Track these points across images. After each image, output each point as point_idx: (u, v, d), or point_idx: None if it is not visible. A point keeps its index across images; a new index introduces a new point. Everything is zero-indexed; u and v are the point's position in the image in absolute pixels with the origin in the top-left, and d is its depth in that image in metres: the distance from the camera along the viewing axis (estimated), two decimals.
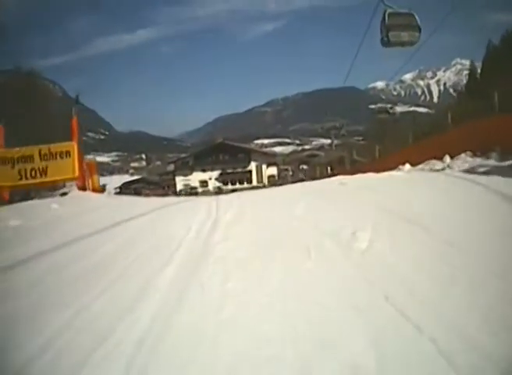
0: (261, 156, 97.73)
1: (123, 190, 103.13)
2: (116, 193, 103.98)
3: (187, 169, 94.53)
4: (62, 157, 21.32)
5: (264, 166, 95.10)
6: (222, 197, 17.95)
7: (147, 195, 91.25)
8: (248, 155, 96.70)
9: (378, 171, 19.12)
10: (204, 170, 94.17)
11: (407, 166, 21.14)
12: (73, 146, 22.02)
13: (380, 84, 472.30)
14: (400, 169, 20.81)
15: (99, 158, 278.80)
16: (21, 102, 46.88)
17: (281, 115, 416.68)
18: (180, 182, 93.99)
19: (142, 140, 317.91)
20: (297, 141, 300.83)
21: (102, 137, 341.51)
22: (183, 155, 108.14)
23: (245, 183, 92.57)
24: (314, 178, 79.27)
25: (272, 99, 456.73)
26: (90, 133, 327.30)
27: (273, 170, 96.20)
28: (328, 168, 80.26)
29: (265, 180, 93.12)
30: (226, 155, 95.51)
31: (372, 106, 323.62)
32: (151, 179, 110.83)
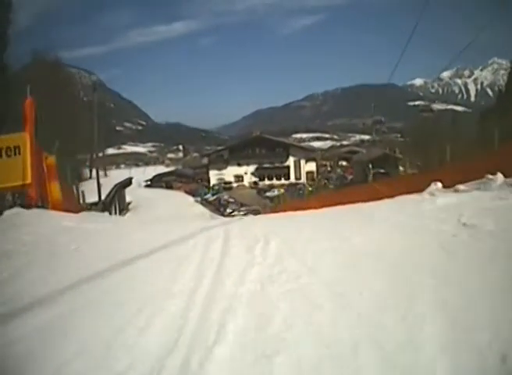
0: (300, 151, 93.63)
1: (154, 183, 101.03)
2: (147, 185, 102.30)
3: (222, 163, 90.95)
4: (8, 155, 12.51)
5: (302, 162, 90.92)
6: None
7: (178, 189, 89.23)
8: (286, 149, 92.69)
9: None
10: (239, 164, 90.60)
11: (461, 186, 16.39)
12: (24, 139, 12.84)
13: (418, 81, 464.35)
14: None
15: (136, 149, 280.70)
16: (52, 92, 46.89)
17: (320, 110, 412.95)
18: (214, 176, 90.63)
19: (179, 131, 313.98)
20: (336, 137, 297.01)
21: (139, 127, 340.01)
22: (219, 148, 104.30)
23: (282, 178, 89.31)
24: (358, 181, 77.20)
25: (310, 94, 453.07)
26: (127, 124, 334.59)
27: (312, 166, 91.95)
28: (370, 165, 76.85)
29: (303, 177, 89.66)
30: (263, 149, 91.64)
31: (411, 103, 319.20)
32: (183, 172, 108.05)
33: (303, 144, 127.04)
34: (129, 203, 61.64)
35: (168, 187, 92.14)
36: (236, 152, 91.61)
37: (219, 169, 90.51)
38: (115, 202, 46.96)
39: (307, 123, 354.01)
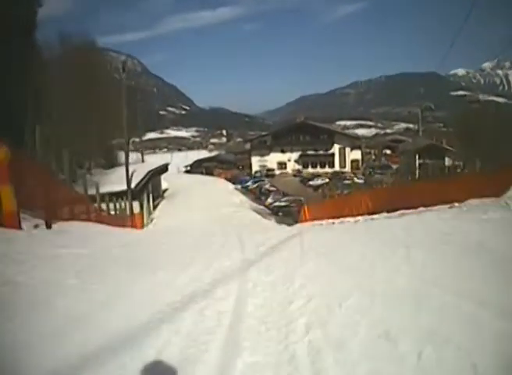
0: (345, 138, 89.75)
1: (194, 168, 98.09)
2: (186, 171, 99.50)
3: (265, 149, 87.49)
4: None
5: (347, 150, 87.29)
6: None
7: (219, 175, 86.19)
8: (331, 136, 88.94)
9: None
10: (282, 151, 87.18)
11: None
12: None
13: (461, 71, 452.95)
14: None
15: (178, 133, 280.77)
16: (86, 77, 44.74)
17: (363, 97, 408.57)
18: (256, 163, 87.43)
19: (223, 116, 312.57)
20: (379, 124, 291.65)
21: (183, 112, 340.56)
22: (262, 133, 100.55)
23: (326, 166, 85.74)
24: (404, 171, 73.40)
25: (354, 81, 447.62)
26: (170, 108, 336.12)
27: (357, 154, 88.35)
28: (417, 156, 72.84)
29: (348, 165, 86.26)
30: (307, 136, 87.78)
31: (453, 93, 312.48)
32: (224, 158, 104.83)
33: (348, 132, 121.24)
34: (165, 190, 59.02)
35: (209, 173, 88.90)
36: (280, 138, 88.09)
37: (262, 155, 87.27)
38: (147, 190, 44.17)
39: (350, 110, 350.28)
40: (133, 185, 35.84)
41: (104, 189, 34.76)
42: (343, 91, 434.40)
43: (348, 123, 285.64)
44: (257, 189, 62.69)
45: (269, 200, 52.99)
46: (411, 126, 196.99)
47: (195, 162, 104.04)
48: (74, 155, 44.91)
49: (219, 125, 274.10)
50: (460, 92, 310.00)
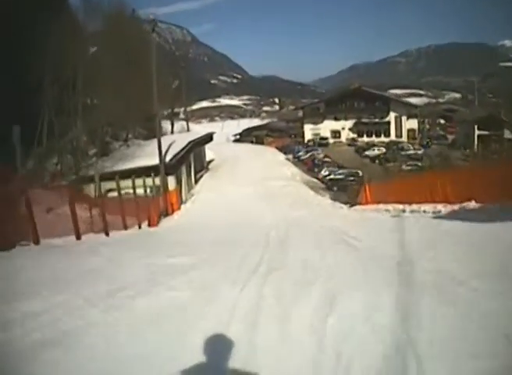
0: (401, 106, 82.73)
1: (243, 137, 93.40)
2: (235, 140, 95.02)
3: (318, 117, 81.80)
4: None
5: (403, 118, 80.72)
6: None
7: (269, 144, 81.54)
8: (387, 103, 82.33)
9: None
10: (336, 119, 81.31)
11: None
12: None
13: (508, 43, 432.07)
14: None
15: (231, 102, 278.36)
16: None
17: (414, 66, 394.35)
18: (309, 131, 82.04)
19: (275, 84, 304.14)
20: (430, 94, 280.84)
21: (234, 80, 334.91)
22: (315, 100, 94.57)
23: (382, 135, 79.83)
24: (461, 143, 67.54)
25: (405, 50, 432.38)
26: (221, 77, 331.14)
27: (413, 123, 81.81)
28: (475, 127, 66.96)
29: (405, 134, 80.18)
30: (362, 103, 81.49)
31: (502, 64, 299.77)
32: (276, 125, 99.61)
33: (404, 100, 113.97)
34: (210, 161, 54.94)
35: (259, 142, 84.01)
36: (334, 105, 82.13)
37: (315, 123, 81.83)
38: (188, 162, 39.96)
39: (401, 78, 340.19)
40: (168, 158, 31.52)
41: (134, 164, 30.97)
42: (394, 60, 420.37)
43: (399, 91, 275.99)
44: (310, 160, 57.53)
45: (323, 172, 48.07)
46: (459, 95, 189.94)
47: (245, 130, 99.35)
48: (109, 126, 42.26)
49: (272, 93, 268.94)
50: (509, 63, 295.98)
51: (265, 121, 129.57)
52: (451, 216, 11.97)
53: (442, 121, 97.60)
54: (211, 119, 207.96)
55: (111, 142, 42.39)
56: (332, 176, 45.42)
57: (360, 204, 26.61)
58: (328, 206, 30.72)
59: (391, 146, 68.62)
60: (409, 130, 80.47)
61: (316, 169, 51.67)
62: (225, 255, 8.53)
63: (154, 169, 29.09)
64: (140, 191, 23.63)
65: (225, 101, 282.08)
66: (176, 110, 73.27)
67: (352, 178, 44.20)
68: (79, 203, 14.40)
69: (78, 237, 12.03)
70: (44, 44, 27.30)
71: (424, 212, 14.68)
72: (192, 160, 42.89)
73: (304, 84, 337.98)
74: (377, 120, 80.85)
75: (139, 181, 24.24)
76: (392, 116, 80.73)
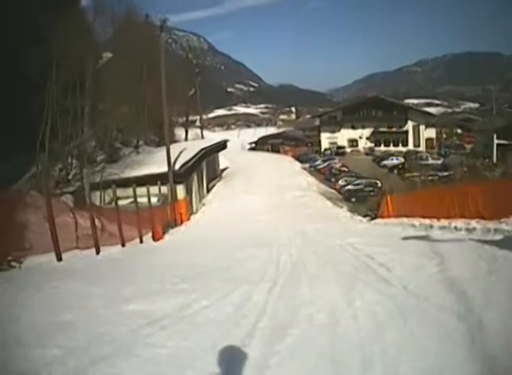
0: (419, 115, 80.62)
1: (259, 145, 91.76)
2: (251, 148, 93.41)
3: (335, 125, 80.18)
4: None
5: (421, 127, 78.76)
6: None
7: (286, 153, 79.83)
8: (405, 112, 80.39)
9: None
10: (353, 127, 79.62)
11: None
12: None
13: None
14: None
15: (247, 110, 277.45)
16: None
17: (430, 75, 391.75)
18: (326, 140, 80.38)
19: (291, 93, 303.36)
20: (446, 103, 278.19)
21: (251, 89, 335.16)
22: (330, 109, 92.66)
23: (400, 145, 77.87)
24: (479, 153, 65.38)
25: (421, 59, 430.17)
26: (238, 85, 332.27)
27: (431, 132, 79.80)
28: (494, 136, 65.09)
29: (423, 144, 78.02)
30: (380, 112, 79.82)
31: None
32: (292, 134, 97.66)
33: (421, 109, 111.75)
34: (224, 169, 53.42)
35: (275, 150, 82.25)
36: (351, 114, 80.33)
37: (332, 131, 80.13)
38: (199, 170, 38.48)
39: (417, 88, 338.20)
40: (178, 166, 30.17)
41: (141, 171, 29.57)
42: (410, 69, 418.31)
43: (415, 101, 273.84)
44: (326, 169, 55.62)
45: (340, 182, 46.16)
46: (477, 105, 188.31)
47: (260, 138, 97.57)
48: (119, 131, 40.99)
49: (288, 102, 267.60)
50: None
51: (281, 130, 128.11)
52: (497, 236, 10.11)
53: (459, 131, 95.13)
54: (228, 128, 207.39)
55: (120, 148, 40.88)
56: (349, 187, 43.55)
57: (382, 217, 24.83)
58: (346, 219, 28.97)
59: (410, 155, 66.40)
60: (427, 140, 78.45)
61: (333, 179, 49.79)
62: (219, 295, 6.69)
63: (162, 177, 27.90)
64: (146, 200, 22.20)
65: (241, 109, 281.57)
66: (192, 118, 72.15)
67: (371, 189, 42.38)
68: (78, 213, 13.40)
69: (59, 258, 10.46)
70: (50, 40, 26.16)
71: (456, 229, 12.78)
72: (204, 168, 41.44)
73: (320, 93, 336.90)
74: (395, 129, 78.94)
75: (146, 190, 22.77)
76: (410, 125, 78.66)
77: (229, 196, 39.26)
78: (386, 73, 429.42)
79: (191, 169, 34.22)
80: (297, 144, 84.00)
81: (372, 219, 26.31)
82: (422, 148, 76.45)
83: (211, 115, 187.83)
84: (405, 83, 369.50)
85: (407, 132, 78.52)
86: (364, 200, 38.30)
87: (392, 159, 63.29)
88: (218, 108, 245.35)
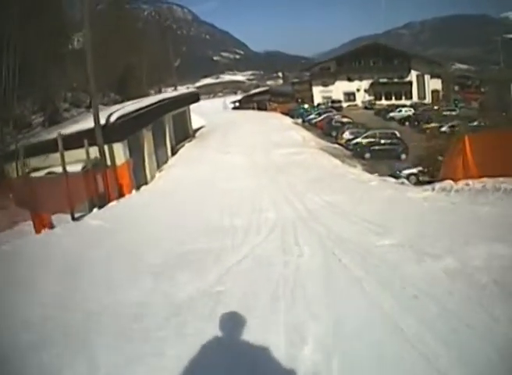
0: (424, 64, 67.95)
1: (243, 104, 78.54)
2: (234, 108, 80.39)
3: (328, 77, 67.71)
4: None
5: (427, 77, 66.50)
6: None
7: (274, 110, 66.94)
8: (407, 61, 67.66)
9: None
10: (350, 79, 67.16)
11: None
12: None
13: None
14: None
15: (234, 77, 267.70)
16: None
17: (418, 37, 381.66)
18: (318, 94, 67.92)
19: (278, 59, 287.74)
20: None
21: (237, 56, 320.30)
22: (322, 60, 78.79)
23: (403, 97, 65.71)
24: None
25: (408, 22, 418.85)
26: (224, 54, 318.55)
27: (437, 84, 67.22)
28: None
29: (428, 96, 66.07)
30: (379, 61, 67.03)
31: (506, 36, 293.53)
32: (280, 89, 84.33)
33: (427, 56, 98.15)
34: (198, 129, 41.65)
35: (261, 108, 68.74)
36: (346, 64, 67.71)
37: (325, 84, 67.70)
38: (157, 128, 26.98)
39: (407, 50, 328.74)
40: (114, 117, 19.98)
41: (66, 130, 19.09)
42: (398, 32, 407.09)
43: None
44: (325, 122, 43.24)
45: (346, 135, 34.01)
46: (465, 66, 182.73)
47: (245, 97, 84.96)
48: (71, 90, 33.42)
49: (275, 68, 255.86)
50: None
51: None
52: None
53: (456, 88, 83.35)
54: (215, 95, 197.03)
55: (69, 109, 32.74)
56: (360, 140, 31.45)
57: (454, 179, 12.53)
58: (375, 184, 16.73)
59: (418, 107, 54.55)
60: (433, 92, 66.52)
61: (334, 133, 37.85)
62: None
63: (90, 135, 18.56)
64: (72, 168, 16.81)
65: (228, 77, 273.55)
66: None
67: (389, 141, 30.44)
68: None
69: None
70: None
71: None
72: (168, 125, 29.79)
73: (307, 58, 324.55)
74: (396, 80, 66.59)
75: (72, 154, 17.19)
76: (413, 75, 66.52)
77: (199, 157, 27.55)
78: (374, 36, 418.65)
79: (137, 122, 22.91)
80: (286, 100, 70.37)
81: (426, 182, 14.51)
82: (428, 100, 64.55)
83: (197, 84, 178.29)
84: (394, 45, 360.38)
85: (410, 83, 66.54)
86: (385, 154, 27.81)
87: (401, 111, 51.70)
88: (205, 77, 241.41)
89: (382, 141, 30.18)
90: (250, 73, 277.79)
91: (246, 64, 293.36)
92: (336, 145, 33.36)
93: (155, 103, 26.30)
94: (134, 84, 41.38)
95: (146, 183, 22.46)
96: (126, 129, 20.80)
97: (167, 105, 28.79)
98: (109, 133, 19.08)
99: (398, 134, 31.89)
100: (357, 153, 29.60)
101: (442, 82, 67.98)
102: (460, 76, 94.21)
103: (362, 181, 17.58)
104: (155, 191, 19.38)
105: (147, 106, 24.65)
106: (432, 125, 40.85)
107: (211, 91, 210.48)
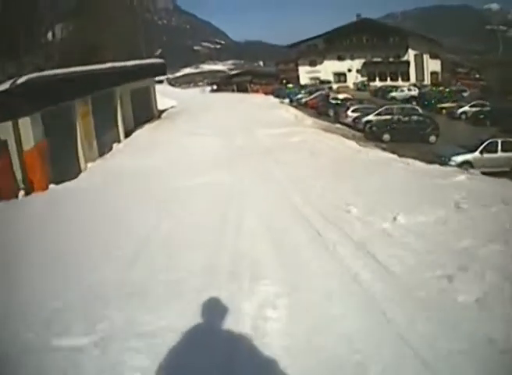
0: (422, 42, 58.99)
1: (222, 86, 69.35)
2: (212, 91, 71.71)
3: (316, 56, 59.28)
4: None
5: (425, 57, 58.17)
6: None
7: (256, 92, 58.45)
8: (404, 38, 59.16)
9: None
10: (340, 58, 58.82)
11: None
12: None
13: (494, 6, 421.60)
14: None
15: (214, 67, 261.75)
16: None
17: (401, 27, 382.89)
18: (305, 74, 59.45)
19: (259, 48, 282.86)
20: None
21: (218, 46, 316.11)
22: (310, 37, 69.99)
23: (399, 79, 57.15)
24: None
25: (391, 12, 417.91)
26: (204, 44, 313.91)
27: (436, 65, 58.96)
28: None
29: (427, 78, 57.90)
30: (373, 38, 58.64)
31: (489, 27, 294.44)
32: (262, 70, 75.96)
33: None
34: (166, 110, 33.25)
35: (242, 90, 59.97)
36: (336, 42, 59.10)
37: (313, 64, 59.28)
38: (100, 103, 19.27)
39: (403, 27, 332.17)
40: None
41: None
42: (381, 21, 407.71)
43: None
44: (317, 100, 35.13)
45: (350, 113, 25.88)
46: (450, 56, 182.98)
47: (223, 78, 76.70)
48: None
49: (256, 57, 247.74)
50: (495, 27, 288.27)
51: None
52: None
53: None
54: (195, 85, 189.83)
55: None
56: (372, 118, 23.43)
57: None
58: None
59: (423, 87, 47.19)
60: (431, 73, 58.55)
61: (332, 112, 29.82)
62: None
63: None
64: None
65: (209, 66, 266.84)
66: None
67: (415, 118, 22.41)
68: None
69: None
70: None
71: None
72: (121, 102, 21.56)
73: (287, 47, 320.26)
74: (392, 59, 58.35)
75: None
76: (411, 55, 58.29)
77: (157, 141, 19.41)
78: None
79: (62, 91, 14.92)
80: (269, 81, 61.68)
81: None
82: (427, 82, 56.43)
83: (178, 74, 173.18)
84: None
85: (408, 63, 58.23)
86: (407, 137, 20.73)
87: (403, 90, 43.98)
88: (186, 66, 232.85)
89: (404, 119, 22.20)
90: (230, 62, 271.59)
91: (226, 54, 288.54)
92: (338, 125, 25.39)
93: (97, 70, 18.03)
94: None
95: (77, 177, 14.47)
96: (39, 97, 13.19)
97: (118, 75, 20.49)
98: (13, 101, 12.19)
99: (420, 110, 24.13)
100: (371, 134, 21.57)
101: (442, 63, 60.13)
102: (452, 62, 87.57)
103: (428, 174, 9.71)
104: (62, 196, 11.37)
105: (82, 72, 16.48)
106: (449, 105, 33.81)
107: (192, 81, 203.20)
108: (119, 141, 19.85)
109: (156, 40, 52.63)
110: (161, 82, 59.82)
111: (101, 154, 17.48)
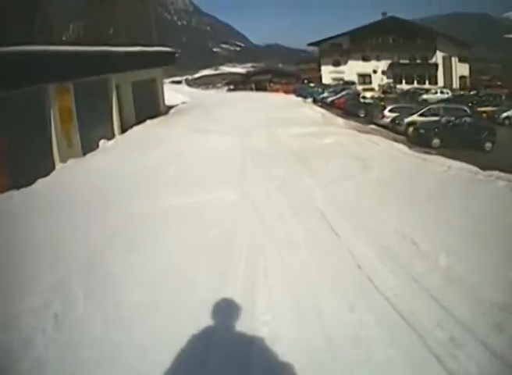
0: (451, 44, 54.95)
1: (239, 85, 65.55)
2: (229, 90, 67.98)
3: (340, 56, 55.53)
4: None
5: (454, 60, 54.24)
6: None
7: (275, 91, 54.21)
8: (432, 40, 54.79)
9: None
10: (365, 59, 55.10)
11: None
12: None
13: None
14: None
15: (233, 69, 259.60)
16: None
17: None
18: (328, 75, 55.75)
19: (278, 51, 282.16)
20: None
21: (238, 49, 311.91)
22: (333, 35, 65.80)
23: (427, 82, 53.32)
24: None
25: (411, 19, 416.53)
26: (224, 46, 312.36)
27: (464, 69, 55.10)
28: None
29: (456, 82, 53.90)
30: (400, 38, 54.56)
31: (507, 36, 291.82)
32: (283, 69, 72.42)
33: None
34: (176, 105, 29.65)
35: (260, 89, 56.04)
36: (361, 40, 55.06)
37: (336, 64, 55.62)
38: (92, 94, 16.39)
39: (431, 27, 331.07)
40: None
41: None
42: None
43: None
44: (344, 99, 31.33)
45: (388, 113, 22.03)
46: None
47: (241, 77, 73.66)
48: None
49: (275, 60, 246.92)
50: None
51: None
52: None
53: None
54: (214, 86, 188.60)
55: None
56: (415, 119, 19.56)
57: None
58: None
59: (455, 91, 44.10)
60: (460, 78, 54.57)
61: (362, 112, 26.09)
62: None
63: None
64: None
65: (228, 68, 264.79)
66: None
67: (468, 120, 18.46)
68: None
69: None
70: None
71: None
72: (118, 94, 18.09)
73: (307, 52, 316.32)
74: (420, 61, 54.53)
75: None
76: (439, 57, 54.38)
77: (157, 139, 15.64)
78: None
79: (31, 73, 11.40)
80: (289, 81, 57.78)
81: None
82: (456, 86, 52.35)
83: (196, 75, 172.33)
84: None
85: (436, 65, 54.34)
86: (459, 143, 17.04)
87: (436, 92, 40.28)
88: (204, 68, 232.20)
89: (456, 121, 18.25)
90: (249, 65, 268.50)
91: (246, 56, 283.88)
92: (373, 126, 21.55)
93: (81, 51, 14.44)
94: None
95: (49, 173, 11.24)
96: None
97: (113, 61, 16.82)
98: None
99: (469, 112, 20.28)
100: (418, 138, 17.51)
101: (470, 67, 56.02)
102: (475, 69, 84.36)
103: None
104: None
105: (59, 51, 12.95)
106: (490, 109, 30.09)
107: (210, 82, 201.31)
108: (111, 138, 16.21)
109: (175, 39, 49.82)
110: (179, 82, 57.19)
111: (87, 152, 13.86)
